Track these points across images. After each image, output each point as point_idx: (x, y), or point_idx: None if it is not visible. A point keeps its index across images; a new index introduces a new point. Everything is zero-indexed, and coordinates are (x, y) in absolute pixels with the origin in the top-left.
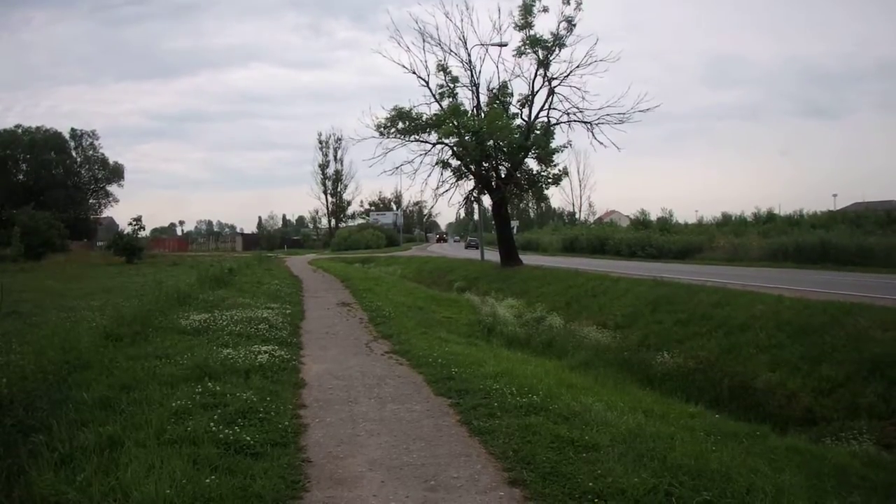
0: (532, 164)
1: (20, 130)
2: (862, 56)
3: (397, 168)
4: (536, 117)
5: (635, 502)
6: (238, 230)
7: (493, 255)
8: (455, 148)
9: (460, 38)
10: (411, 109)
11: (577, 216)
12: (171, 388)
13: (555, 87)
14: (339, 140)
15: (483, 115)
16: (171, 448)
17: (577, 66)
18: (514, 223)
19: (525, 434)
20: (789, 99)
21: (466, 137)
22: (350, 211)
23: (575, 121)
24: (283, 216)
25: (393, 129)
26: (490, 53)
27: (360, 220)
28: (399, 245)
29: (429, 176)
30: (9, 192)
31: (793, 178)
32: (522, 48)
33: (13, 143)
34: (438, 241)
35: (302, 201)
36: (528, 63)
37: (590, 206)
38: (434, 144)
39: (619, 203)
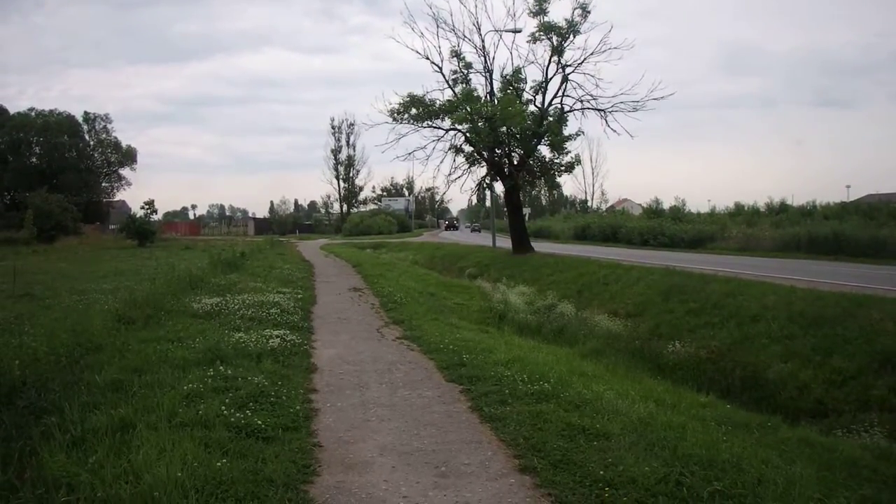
0: (545, 151)
1: (34, 113)
2: (880, 47)
3: (410, 154)
4: (550, 104)
5: (646, 491)
6: (250, 214)
7: (504, 242)
8: (468, 134)
9: (474, 24)
10: (424, 95)
11: (589, 204)
12: (182, 372)
13: (568, 74)
14: (351, 125)
15: (496, 101)
16: (182, 431)
17: (592, 54)
18: (526, 210)
19: (536, 421)
20: (805, 89)
21: (479, 124)
22: (362, 196)
23: (588, 108)
24: (295, 201)
25: (406, 115)
26: (504, 40)
27: (371, 206)
28: (411, 231)
29: (441, 162)
30: (22, 174)
31: (806, 169)
32: (537, 34)
33: (26, 126)
34: (447, 227)
35: (314, 186)
36: (542, 50)
37: (602, 193)
38: (447, 130)
39: (632, 191)
